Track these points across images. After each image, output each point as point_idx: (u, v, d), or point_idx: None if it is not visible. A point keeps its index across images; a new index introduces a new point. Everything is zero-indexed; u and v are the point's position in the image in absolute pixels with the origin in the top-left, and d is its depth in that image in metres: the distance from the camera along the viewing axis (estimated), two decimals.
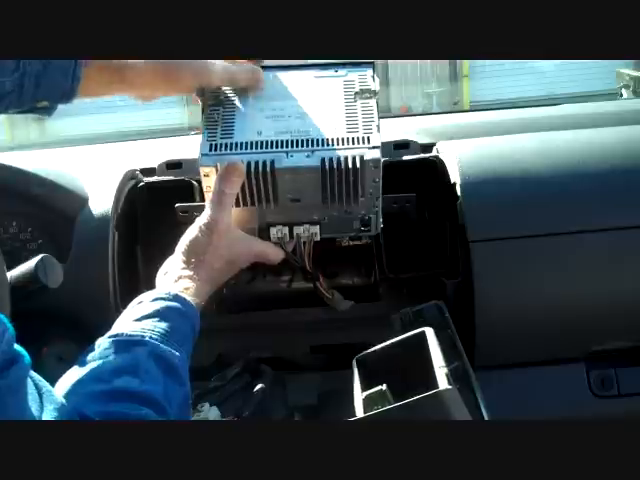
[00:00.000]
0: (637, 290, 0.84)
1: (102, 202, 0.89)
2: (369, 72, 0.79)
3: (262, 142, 0.72)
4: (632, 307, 0.85)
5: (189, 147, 0.91)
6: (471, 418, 0.57)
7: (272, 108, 0.76)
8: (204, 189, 0.74)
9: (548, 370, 0.89)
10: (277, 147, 0.71)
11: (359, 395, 0.62)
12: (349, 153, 0.70)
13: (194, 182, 0.91)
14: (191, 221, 0.72)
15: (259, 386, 0.92)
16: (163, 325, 0.61)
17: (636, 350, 0.90)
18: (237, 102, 0.76)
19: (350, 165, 0.70)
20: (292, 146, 0.71)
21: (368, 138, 0.71)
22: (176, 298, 0.64)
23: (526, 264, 0.83)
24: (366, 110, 0.74)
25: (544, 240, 0.83)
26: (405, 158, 0.93)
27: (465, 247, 0.83)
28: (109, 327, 0.63)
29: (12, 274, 0.74)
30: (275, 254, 0.76)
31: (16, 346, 0.45)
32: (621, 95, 1.63)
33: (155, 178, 0.96)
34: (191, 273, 0.68)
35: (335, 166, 0.70)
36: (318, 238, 0.77)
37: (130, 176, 0.94)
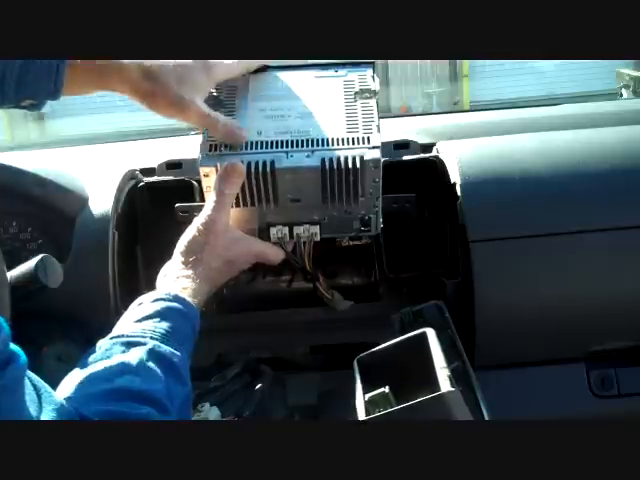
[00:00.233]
0: (637, 290, 0.84)
1: (102, 202, 0.89)
2: (369, 72, 0.79)
3: (262, 142, 0.72)
4: (632, 307, 0.85)
5: (189, 147, 0.91)
6: (472, 419, 0.57)
7: (272, 108, 0.76)
8: (204, 189, 0.74)
9: (548, 370, 0.89)
10: (277, 147, 0.71)
11: (361, 397, 0.62)
12: (349, 153, 0.70)
13: (194, 182, 0.91)
14: (191, 221, 0.72)
15: (259, 386, 0.92)
16: (163, 325, 0.61)
17: (636, 350, 0.90)
18: (237, 102, 0.77)
19: (350, 165, 0.70)
20: (292, 146, 0.71)
21: (368, 138, 0.71)
22: (176, 298, 0.64)
23: (526, 264, 0.83)
24: (366, 110, 0.74)
25: (544, 240, 0.83)
26: (405, 158, 0.93)
27: (465, 247, 0.83)
28: (109, 327, 0.63)
29: (12, 274, 0.74)
30: (275, 254, 0.76)
31: (12, 346, 0.45)
32: (621, 95, 1.63)
33: (155, 178, 0.96)
34: (189, 272, 0.68)
35: (335, 166, 0.70)
36: (318, 238, 0.77)
37: (130, 176, 0.94)
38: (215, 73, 0.74)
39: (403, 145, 0.96)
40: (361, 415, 0.60)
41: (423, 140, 0.99)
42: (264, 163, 0.70)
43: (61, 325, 0.84)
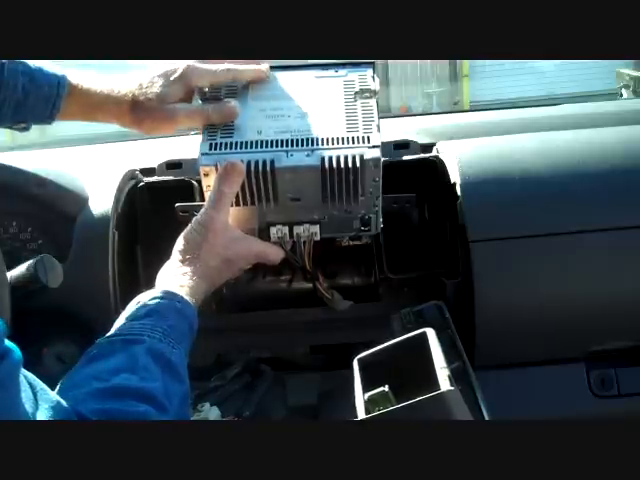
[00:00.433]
0: (637, 290, 0.84)
1: (102, 202, 0.89)
2: (369, 72, 0.79)
3: (262, 141, 0.72)
4: (632, 307, 0.85)
5: (189, 147, 0.91)
6: (472, 418, 0.57)
7: (272, 108, 0.76)
8: (204, 188, 0.74)
9: (548, 370, 0.89)
10: (277, 146, 0.71)
11: (360, 396, 0.62)
12: (349, 152, 0.70)
13: (194, 182, 0.91)
14: (191, 221, 0.72)
15: (259, 386, 0.92)
16: (161, 323, 0.61)
17: (636, 350, 0.90)
18: (237, 102, 0.76)
19: (350, 164, 0.70)
20: (292, 145, 0.71)
21: (368, 137, 0.71)
22: (173, 296, 0.64)
23: (526, 264, 0.83)
24: (366, 110, 0.74)
25: (544, 240, 0.83)
26: (405, 158, 0.93)
27: (465, 247, 0.83)
28: (110, 327, 0.63)
29: (12, 274, 0.74)
30: (275, 254, 0.76)
31: (7, 342, 0.45)
32: (621, 95, 1.63)
33: (155, 178, 0.96)
34: (187, 270, 0.68)
35: (335, 165, 0.70)
36: (318, 237, 0.77)
37: (130, 176, 0.94)
38: (196, 78, 0.75)
39: (403, 145, 0.96)
40: (361, 414, 0.60)
41: (423, 140, 0.99)
42: (264, 162, 0.70)
43: (61, 325, 0.84)
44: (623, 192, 0.85)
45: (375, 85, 0.77)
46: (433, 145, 0.97)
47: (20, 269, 0.75)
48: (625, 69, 1.66)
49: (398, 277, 0.91)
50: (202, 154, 0.72)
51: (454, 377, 0.61)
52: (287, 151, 0.71)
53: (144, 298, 0.64)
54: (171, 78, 0.74)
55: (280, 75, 0.80)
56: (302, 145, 0.71)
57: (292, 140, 0.72)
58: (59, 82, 0.74)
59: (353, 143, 0.71)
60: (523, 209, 0.84)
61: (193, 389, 0.87)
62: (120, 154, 1.12)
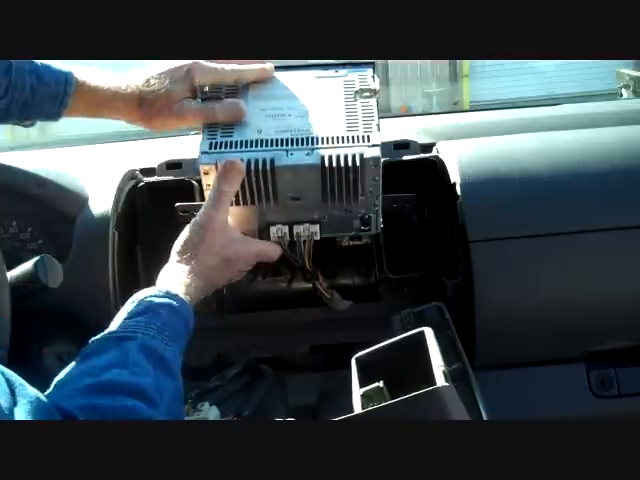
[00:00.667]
0: (637, 290, 0.84)
1: (102, 202, 0.89)
2: (369, 72, 0.79)
3: (262, 140, 0.72)
4: (632, 307, 0.85)
5: (189, 147, 0.91)
6: (468, 415, 0.57)
7: (273, 107, 0.76)
8: (204, 187, 0.74)
9: (548, 370, 0.89)
10: (277, 145, 0.71)
11: (357, 394, 0.62)
12: (349, 151, 0.70)
13: (194, 182, 0.91)
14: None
15: (259, 386, 0.92)
16: (155, 321, 0.61)
17: (636, 350, 0.90)
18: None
19: (350, 163, 0.70)
20: (292, 144, 0.71)
21: (368, 137, 0.71)
22: (168, 295, 0.64)
23: (526, 264, 0.83)
24: (366, 109, 0.74)
25: (544, 240, 0.83)
26: (405, 158, 0.93)
27: (465, 247, 0.83)
28: (109, 326, 0.63)
29: (12, 274, 0.75)
30: (274, 250, 0.76)
31: None
32: (621, 95, 1.62)
33: (155, 178, 0.96)
34: (184, 269, 0.68)
35: (335, 164, 0.70)
36: (318, 237, 0.77)
37: (130, 176, 0.94)
38: (201, 75, 0.75)
39: (403, 145, 0.96)
40: (357, 409, 0.60)
41: (423, 140, 0.99)
42: (264, 161, 0.70)
43: (61, 325, 0.84)
44: (623, 192, 0.85)
45: (375, 85, 0.77)
46: (433, 145, 0.97)
47: (20, 269, 0.75)
48: (625, 69, 1.65)
49: (398, 277, 0.91)
50: (202, 153, 0.72)
51: (454, 378, 0.61)
52: (287, 150, 0.71)
53: (139, 296, 0.64)
54: (178, 75, 0.74)
55: (280, 75, 0.80)
56: (302, 144, 0.71)
57: (292, 139, 0.72)
58: (66, 79, 0.74)
59: (353, 142, 0.71)
60: (523, 209, 0.84)
61: (193, 389, 0.87)
62: (120, 154, 1.12)
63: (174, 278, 0.67)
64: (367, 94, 0.76)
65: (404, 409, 0.55)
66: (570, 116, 1.14)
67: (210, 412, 0.81)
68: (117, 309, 0.71)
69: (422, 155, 0.94)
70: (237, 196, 0.72)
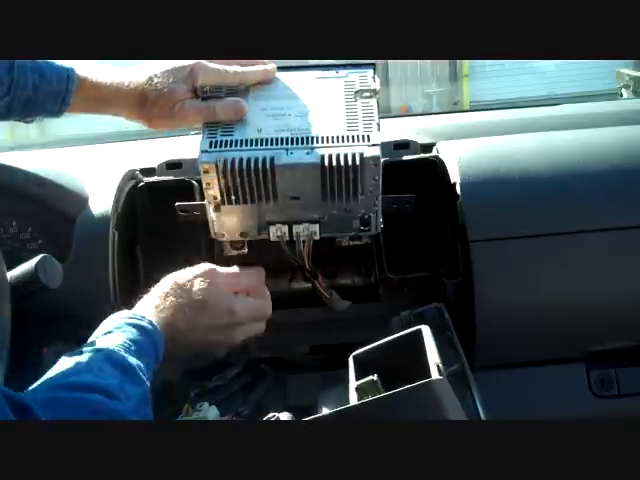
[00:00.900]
0: (637, 290, 0.84)
1: (102, 202, 0.89)
2: (370, 73, 0.79)
3: (262, 139, 0.72)
4: (632, 307, 0.85)
5: (189, 147, 0.91)
6: (462, 410, 0.57)
7: (273, 107, 0.76)
8: (204, 186, 0.74)
9: (548, 370, 0.89)
10: (277, 144, 0.71)
11: (353, 390, 0.62)
12: (349, 150, 0.70)
13: (194, 182, 0.91)
14: (191, 220, 0.72)
15: (259, 386, 0.92)
16: (122, 336, 0.64)
17: (636, 350, 0.90)
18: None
19: (350, 162, 0.70)
20: (292, 143, 0.71)
21: (368, 136, 0.71)
22: (141, 316, 0.67)
23: (526, 264, 0.83)
24: (366, 109, 0.74)
25: (544, 240, 0.83)
26: (405, 158, 0.93)
27: (465, 247, 0.83)
28: None
29: (12, 274, 0.75)
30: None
31: None
32: (621, 95, 1.63)
33: (155, 178, 0.96)
34: (167, 306, 0.70)
35: (335, 163, 0.70)
36: (317, 237, 0.77)
37: (130, 176, 0.94)
38: (203, 76, 0.75)
39: (403, 145, 0.96)
40: (353, 402, 0.60)
41: (423, 140, 0.99)
42: (264, 159, 0.70)
43: (61, 325, 0.84)
44: (623, 192, 0.85)
45: (376, 85, 0.77)
46: (433, 145, 0.97)
47: (20, 269, 0.75)
48: (625, 69, 1.65)
49: (398, 277, 0.91)
50: (202, 151, 0.72)
51: (452, 379, 0.61)
52: (287, 149, 0.71)
53: (113, 317, 0.67)
54: (181, 75, 0.74)
55: (281, 75, 0.80)
56: (302, 143, 0.71)
57: (292, 138, 0.72)
58: (68, 76, 0.74)
59: (353, 141, 0.71)
60: (523, 209, 0.84)
61: (193, 389, 0.87)
62: (120, 154, 1.12)
63: (152, 309, 0.70)
64: (367, 94, 0.76)
65: (398, 402, 0.54)
66: (570, 116, 1.14)
67: (209, 412, 0.81)
68: (117, 309, 0.71)
69: (422, 155, 0.94)
70: (237, 195, 0.72)
